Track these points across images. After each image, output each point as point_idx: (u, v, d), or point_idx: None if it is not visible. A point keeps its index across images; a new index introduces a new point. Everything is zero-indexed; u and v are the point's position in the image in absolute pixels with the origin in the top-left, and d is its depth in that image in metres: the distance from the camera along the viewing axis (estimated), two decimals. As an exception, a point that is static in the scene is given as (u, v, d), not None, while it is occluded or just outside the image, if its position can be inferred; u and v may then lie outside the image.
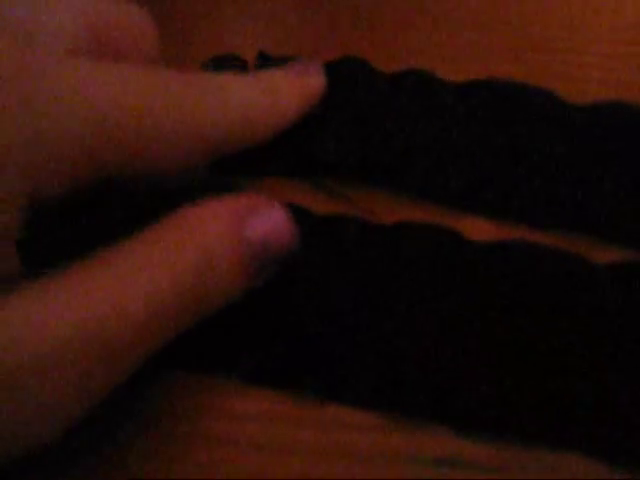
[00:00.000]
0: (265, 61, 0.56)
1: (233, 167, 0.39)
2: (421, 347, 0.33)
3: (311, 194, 0.41)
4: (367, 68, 0.53)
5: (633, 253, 0.36)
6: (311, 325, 0.33)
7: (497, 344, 0.32)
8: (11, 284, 0.19)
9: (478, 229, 0.38)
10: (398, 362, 0.32)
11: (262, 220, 0.24)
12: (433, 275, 0.35)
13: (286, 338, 0.32)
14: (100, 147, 0.22)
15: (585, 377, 0.32)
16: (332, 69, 0.53)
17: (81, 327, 0.19)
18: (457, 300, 0.34)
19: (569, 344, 0.33)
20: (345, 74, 0.51)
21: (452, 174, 0.42)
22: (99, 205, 0.28)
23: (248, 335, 0.32)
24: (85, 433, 0.24)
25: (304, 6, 0.63)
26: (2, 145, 0.19)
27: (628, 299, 0.34)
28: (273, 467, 0.28)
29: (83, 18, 0.26)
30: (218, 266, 0.22)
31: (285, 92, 0.33)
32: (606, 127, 0.45)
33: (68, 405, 0.19)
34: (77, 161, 0.22)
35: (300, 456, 0.28)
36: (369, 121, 0.45)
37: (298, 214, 0.32)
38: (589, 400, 0.30)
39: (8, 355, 0.18)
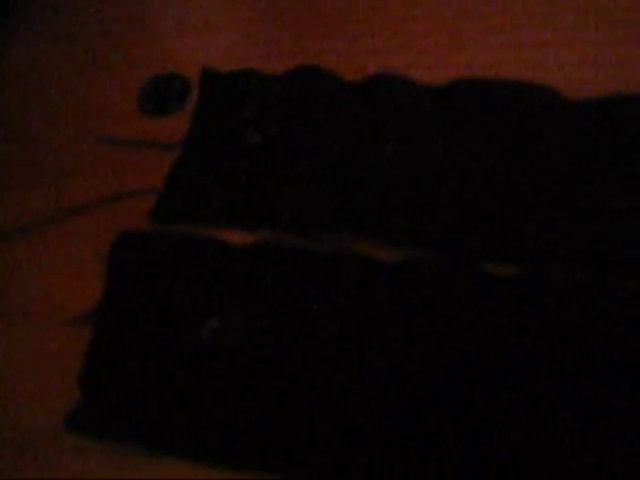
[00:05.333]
0: (210, 77, 0.50)
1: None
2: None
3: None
4: (326, 80, 0.46)
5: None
6: None
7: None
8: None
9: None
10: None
11: None
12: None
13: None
14: None
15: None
16: (289, 84, 0.46)
17: None
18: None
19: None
20: (305, 92, 0.45)
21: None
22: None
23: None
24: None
25: (249, 16, 0.57)
26: None
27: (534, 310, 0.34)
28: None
29: None
30: None
31: None
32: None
33: None
34: None
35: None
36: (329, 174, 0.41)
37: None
38: None
39: None
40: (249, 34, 0.53)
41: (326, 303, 0.35)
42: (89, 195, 0.49)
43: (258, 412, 0.33)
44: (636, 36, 0.46)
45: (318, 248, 0.37)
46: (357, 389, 0.32)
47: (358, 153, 0.40)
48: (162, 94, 0.53)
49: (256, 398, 0.33)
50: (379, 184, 0.38)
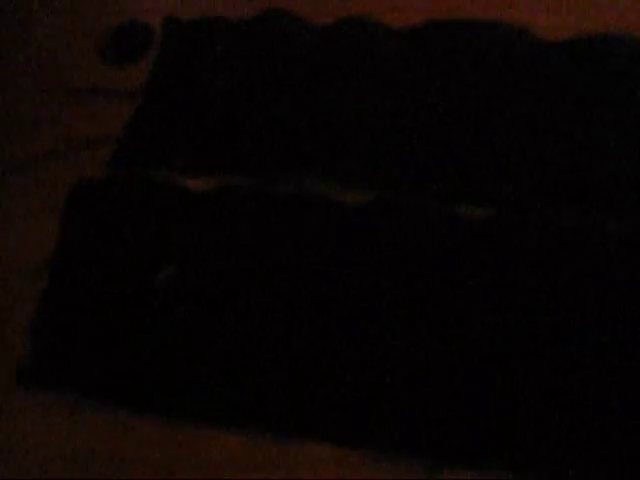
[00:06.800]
0: (173, 26, 0.48)
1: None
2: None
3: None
4: (294, 24, 0.44)
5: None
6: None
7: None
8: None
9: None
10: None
11: None
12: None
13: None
14: None
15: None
16: (255, 28, 0.44)
17: None
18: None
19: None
20: (270, 37, 0.43)
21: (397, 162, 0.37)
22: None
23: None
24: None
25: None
26: None
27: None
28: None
29: None
30: None
31: None
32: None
33: None
34: None
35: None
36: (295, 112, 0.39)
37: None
38: None
39: None
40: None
41: (289, 246, 0.33)
42: (49, 145, 0.47)
43: (216, 358, 0.32)
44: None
45: (280, 192, 0.36)
46: (321, 331, 0.31)
47: (323, 96, 0.38)
48: (124, 42, 0.51)
49: (214, 344, 0.32)
50: (346, 126, 0.37)
